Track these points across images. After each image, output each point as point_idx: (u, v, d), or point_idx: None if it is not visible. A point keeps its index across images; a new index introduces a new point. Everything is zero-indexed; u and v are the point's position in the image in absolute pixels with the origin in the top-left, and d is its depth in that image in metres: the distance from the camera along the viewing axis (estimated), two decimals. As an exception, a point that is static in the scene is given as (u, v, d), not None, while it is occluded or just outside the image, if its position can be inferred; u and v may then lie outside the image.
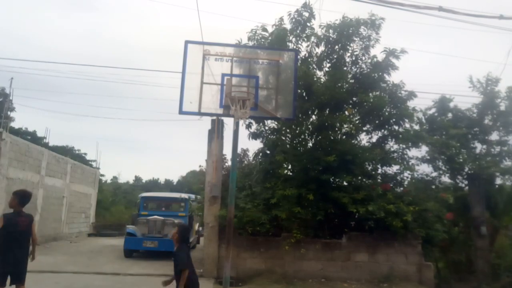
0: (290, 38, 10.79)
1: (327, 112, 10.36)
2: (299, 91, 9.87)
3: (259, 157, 11.26)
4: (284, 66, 7.93)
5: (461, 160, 10.44)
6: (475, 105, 11.15)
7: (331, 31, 10.72)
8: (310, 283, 8.84)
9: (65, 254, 12.82)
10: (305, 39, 10.84)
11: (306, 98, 10.47)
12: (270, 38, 10.57)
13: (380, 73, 10.74)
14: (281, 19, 10.75)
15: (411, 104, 10.72)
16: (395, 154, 10.68)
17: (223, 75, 7.50)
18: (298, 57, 9.56)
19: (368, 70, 10.82)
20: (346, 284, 8.86)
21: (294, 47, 10.70)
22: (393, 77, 10.87)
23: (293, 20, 10.80)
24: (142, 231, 12.49)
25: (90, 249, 14.34)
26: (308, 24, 10.85)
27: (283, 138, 11.11)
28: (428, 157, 10.77)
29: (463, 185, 10.93)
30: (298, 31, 10.84)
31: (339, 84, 10.33)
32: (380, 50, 10.85)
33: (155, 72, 75.78)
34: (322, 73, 11.03)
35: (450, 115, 11.39)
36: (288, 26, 10.82)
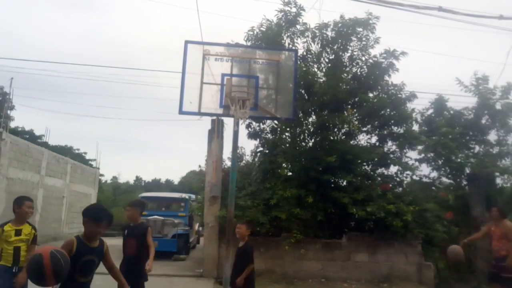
0: (284, 37, 10.75)
1: (327, 112, 10.36)
2: (299, 91, 9.87)
3: (258, 156, 11.26)
4: (284, 66, 7.93)
5: (459, 160, 10.44)
6: (471, 107, 11.12)
7: (328, 30, 10.70)
8: (310, 283, 8.84)
9: (65, 254, 12.80)
10: (299, 36, 10.81)
11: (306, 98, 10.47)
12: (264, 37, 10.53)
13: (380, 74, 10.73)
14: (268, 19, 10.70)
15: (411, 105, 10.74)
16: (394, 155, 10.68)
17: (223, 75, 7.50)
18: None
19: (368, 70, 10.81)
20: (346, 284, 8.86)
21: (291, 45, 10.67)
22: (393, 78, 10.90)
23: (282, 19, 10.76)
24: (142, 231, 12.47)
25: (90, 249, 14.29)
26: (299, 19, 10.77)
27: (283, 137, 11.12)
28: (425, 158, 10.78)
29: (463, 185, 10.93)
30: (289, 29, 10.76)
31: (340, 84, 10.32)
32: (380, 51, 10.86)
33: (155, 72, 75.86)
34: (322, 73, 11.03)
35: (447, 116, 11.39)
36: (281, 25, 10.77)
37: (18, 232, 4.31)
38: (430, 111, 11.50)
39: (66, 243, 3.00)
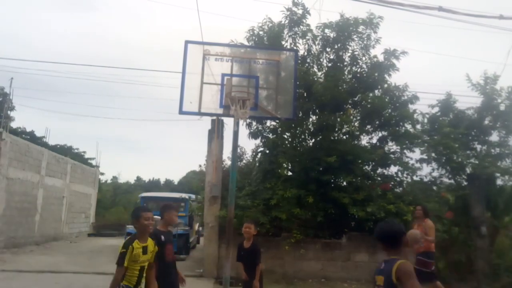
0: (286, 37, 10.73)
1: (327, 112, 10.36)
2: (299, 91, 9.86)
3: (258, 156, 11.26)
4: (284, 66, 7.93)
5: (460, 160, 10.44)
6: (475, 107, 11.11)
7: (328, 30, 10.71)
8: (310, 283, 8.85)
9: (65, 254, 12.83)
10: (302, 37, 10.80)
11: (306, 98, 10.48)
12: (265, 37, 10.53)
13: (381, 74, 10.74)
14: (270, 19, 10.69)
15: (413, 106, 10.73)
16: (395, 155, 10.67)
17: (223, 75, 7.49)
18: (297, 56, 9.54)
19: (369, 70, 10.81)
20: (346, 284, 8.86)
21: (292, 46, 10.68)
22: (394, 78, 10.89)
23: (288, 18, 10.76)
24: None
25: (90, 249, 14.34)
26: (304, 21, 10.78)
27: (284, 137, 11.12)
28: (426, 157, 10.78)
29: (464, 185, 10.92)
30: (293, 28, 10.75)
31: (340, 84, 10.32)
32: (380, 51, 10.86)
33: (155, 72, 75.83)
34: (322, 73, 11.03)
35: (451, 115, 11.37)
36: (283, 25, 10.77)
37: (145, 250, 3.80)
38: (436, 109, 11.45)
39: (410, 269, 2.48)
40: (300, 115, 10.20)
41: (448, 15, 7.12)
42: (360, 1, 7.34)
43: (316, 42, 10.88)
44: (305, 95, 10.49)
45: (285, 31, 10.71)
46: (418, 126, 10.96)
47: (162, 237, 4.32)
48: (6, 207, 13.37)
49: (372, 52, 10.87)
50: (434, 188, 11.06)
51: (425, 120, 11.32)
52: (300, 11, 10.73)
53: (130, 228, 12.78)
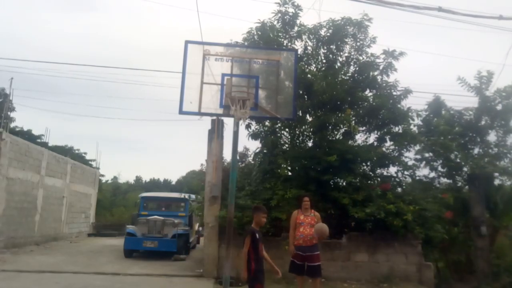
0: (282, 39, 10.70)
1: (326, 111, 10.35)
2: (298, 91, 9.87)
3: (259, 157, 11.26)
4: (284, 65, 7.92)
5: (458, 160, 10.45)
6: (472, 108, 11.11)
7: (322, 31, 10.70)
8: (310, 283, 8.84)
9: (65, 254, 12.83)
10: (297, 38, 10.78)
11: (305, 98, 10.48)
12: (260, 39, 10.50)
13: (379, 74, 10.74)
14: (263, 22, 10.59)
15: (407, 102, 10.73)
16: (392, 154, 10.67)
17: (223, 75, 7.49)
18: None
19: (364, 69, 10.79)
20: (346, 284, 8.86)
21: (289, 45, 10.65)
22: (392, 78, 10.90)
23: (279, 20, 10.73)
24: (142, 231, 12.49)
25: (90, 249, 14.35)
26: (296, 21, 10.75)
27: (283, 137, 11.11)
28: (424, 157, 10.79)
29: (463, 185, 10.93)
30: (287, 30, 10.73)
31: (338, 84, 10.31)
32: (377, 50, 10.89)
33: (155, 72, 75.80)
34: (320, 72, 11.03)
35: (447, 115, 11.37)
36: (276, 26, 10.73)
37: None
38: (428, 111, 11.49)
39: None
40: (299, 115, 10.20)
41: (447, 16, 7.14)
42: (359, 1, 7.35)
43: (311, 41, 10.87)
44: (304, 95, 10.49)
45: (281, 34, 10.65)
46: (415, 128, 10.96)
47: (257, 235, 5.29)
48: (6, 207, 13.37)
49: (369, 51, 10.88)
50: (433, 188, 11.07)
51: (419, 120, 11.32)
52: (291, 10, 10.68)
53: (130, 228, 12.79)
